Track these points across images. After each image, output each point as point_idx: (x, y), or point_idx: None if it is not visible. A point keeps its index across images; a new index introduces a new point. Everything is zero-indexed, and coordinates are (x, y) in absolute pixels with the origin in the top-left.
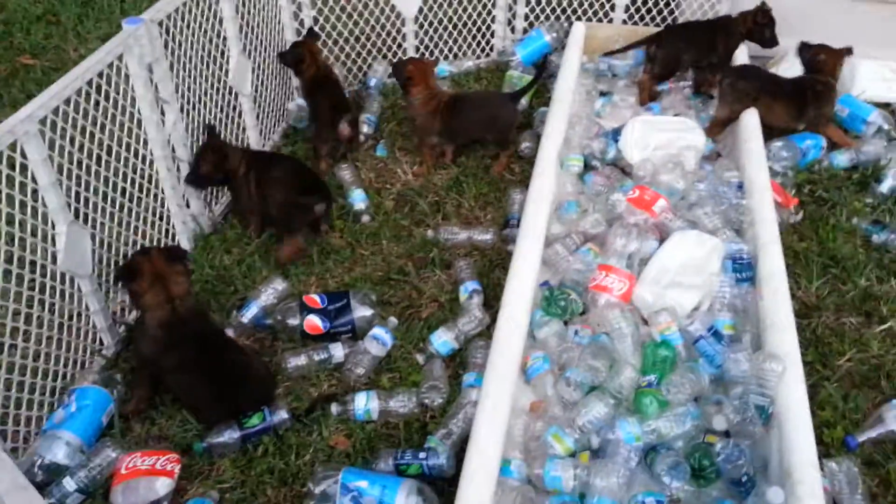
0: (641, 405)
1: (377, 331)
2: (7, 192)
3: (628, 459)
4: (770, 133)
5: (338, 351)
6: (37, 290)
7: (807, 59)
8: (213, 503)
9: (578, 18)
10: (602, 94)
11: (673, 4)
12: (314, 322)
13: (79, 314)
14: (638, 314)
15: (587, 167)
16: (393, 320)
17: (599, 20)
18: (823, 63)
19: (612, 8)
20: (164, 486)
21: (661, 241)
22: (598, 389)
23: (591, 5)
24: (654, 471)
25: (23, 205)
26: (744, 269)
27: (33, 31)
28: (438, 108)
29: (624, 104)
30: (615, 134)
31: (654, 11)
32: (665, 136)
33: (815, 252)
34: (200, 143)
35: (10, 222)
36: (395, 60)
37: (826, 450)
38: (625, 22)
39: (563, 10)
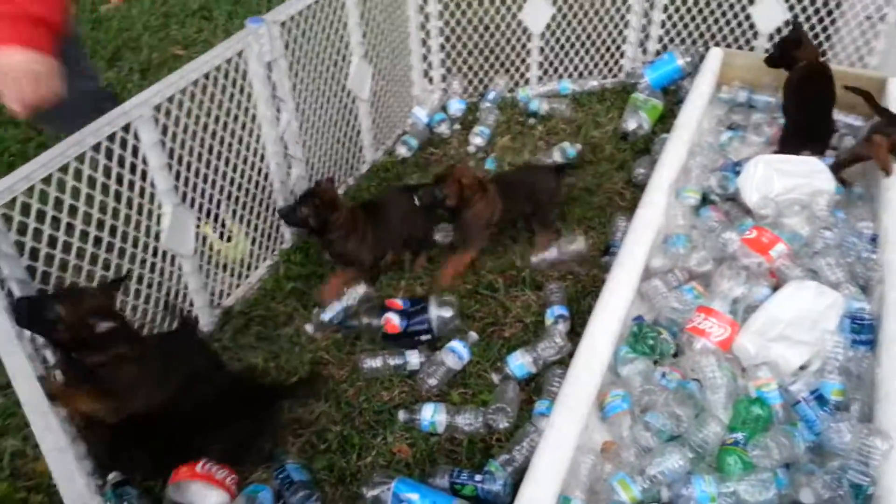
0: (724, 464)
1: (455, 344)
2: (118, 170)
3: None
4: None
5: (413, 358)
6: (137, 266)
7: None
8: (273, 492)
9: (717, 44)
10: (730, 127)
11: (822, 37)
12: (392, 321)
13: (177, 292)
14: (736, 365)
15: (705, 200)
16: (473, 335)
17: (739, 47)
18: None
19: (755, 36)
20: (217, 498)
21: (774, 288)
22: (678, 439)
23: (731, 31)
24: None
25: (132, 184)
26: (863, 331)
27: (188, 25)
28: (492, 197)
29: (755, 140)
30: (736, 168)
31: None
32: (791, 181)
33: None
34: (315, 184)
35: (118, 199)
36: (436, 176)
37: None
38: (767, 51)
39: (701, 35)
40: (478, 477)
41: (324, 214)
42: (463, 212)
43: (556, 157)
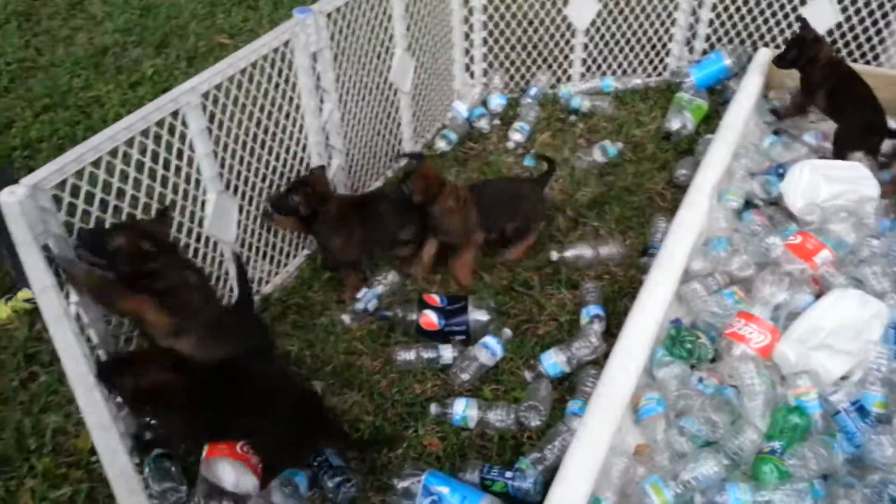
0: (760, 472)
1: (489, 339)
2: (165, 156)
3: None
4: None
5: (447, 352)
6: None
7: None
8: (307, 477)
9: (766, 45)
10: (775, 132)
11: (876, 40)
12: (430, 318)
13: (218, 277)
14: (775, 372)
15: (748, 204)
16: (507, 332)
17: None
18: None
19: None
20: (246, 481)
21: (817, 296)
22: (713, 446)
23: (781, 32)
24: None
25: (178, 170)
26: None
27: (233, 13)
28: (466, 199)
29: (801, 142)
30: (780, 171)
31: (854, 46)
32: (837, 187)
33: None
34: (308, 171)
35: (164, 184)
36: (405, 174)
37: None
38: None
39: (750, 35)
40: (508, 474)
41: (314, 204)
42: (431, 208)
43: (597, 154)
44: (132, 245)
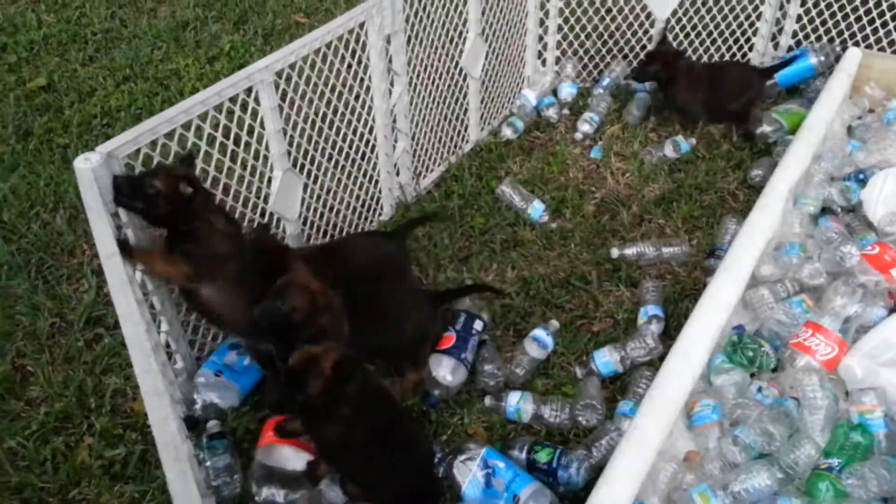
0: (815, 488)
1: (538, 332)
2: (236, 131)
3: None
4: None
5: None
6: (245, 225)
7: None
8: None
9: (856, 44)
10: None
11: None
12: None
13: None
14: (840, 387)
15: (825, 210)
16: (554, 323)
17: (882, 49)
18: None
19: None
20: (299, 460)
21: (891, 311)
22: (768, 458)
23: (874, 31)
24: None
25: (248, 145)
26: None
27: None
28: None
29: (888, 147)
30: (860, 177)
31: None
32: None
33: None
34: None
35: (233, 159)
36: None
37: None
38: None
39: (840, 33)
40: (559, 448)
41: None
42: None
43: (668, 150)
44: (168, 187)
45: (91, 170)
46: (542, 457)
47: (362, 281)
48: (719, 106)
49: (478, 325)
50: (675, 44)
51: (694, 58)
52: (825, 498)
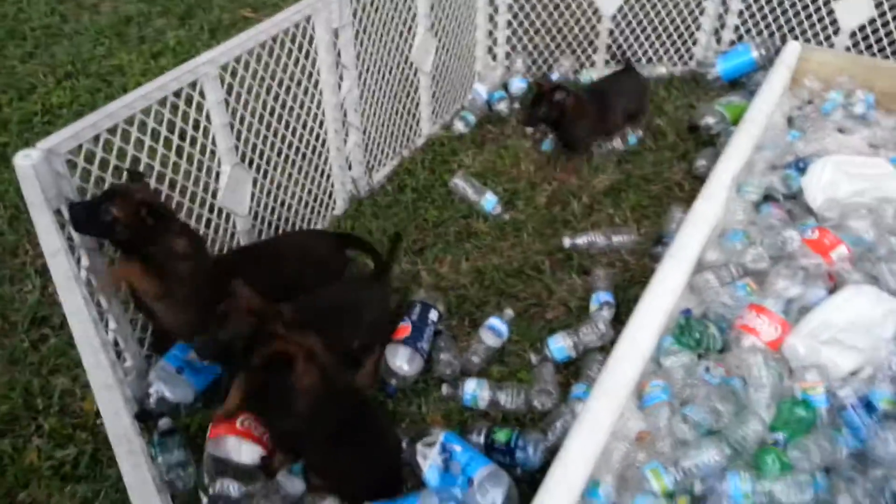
0: (762, 462)
1: (493, 321)
2: (181, 126)
3: None
4: None
5: None
6: (193, 221)
7: None
8: None
9: (795, 38)
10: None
11: None
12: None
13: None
14: (784, 366)
15: (767, 198)
16: (509, 311)
17: (819, 43)
18: None
19: (836, 32)
20: (249, 452)
21: (831, 292)
22: (717, 435)
23: (811, 26)
24: None
25: (194, 140)
26: None
27: None
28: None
29: (826, 136)
30: (800, 165)
31: (886, 41)
32: (859, 184)
33: None
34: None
35: (179, 154)
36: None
37: None
38: (848, 49)
39: (780, 27)
40: (516, 431)
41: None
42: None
43: (616, 142)
44: (127, 213)
45: (32, 166)
46: (501, 437)
47: (295, 281)
48: (609, 128)
49: (433, 315)
50: (621, 38)
51: (640, 53)
52: (772, 470)
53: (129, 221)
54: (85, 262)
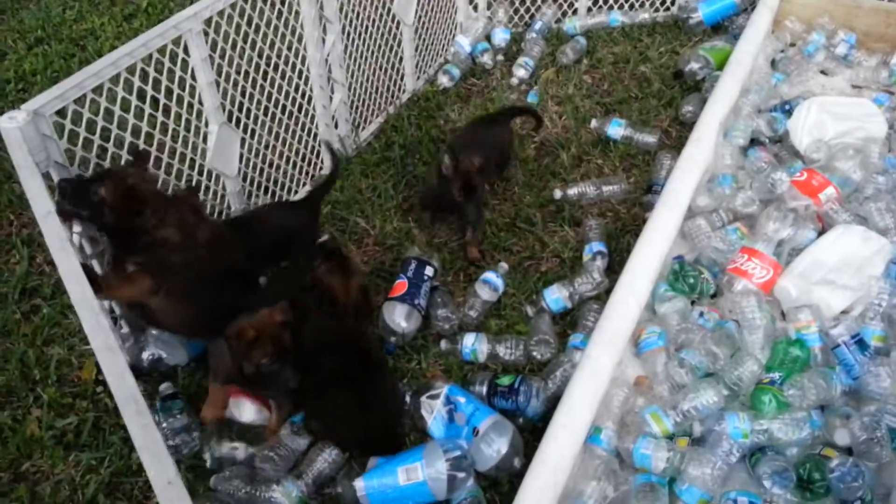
0: (758, 402)
1: (489, 275)
2: (167, 84)
3: (729, 454)
4: None
5: None
6: (183, 183)
7: None
8: None
9: None
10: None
11: None
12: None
13: (220, 213)
14: (777, 307)
15: (754, 141)
16: (503, 265)
17: None
18: None
19: None
20: (250, 411)
21: (821, 233)
22: (713, 377)
23: None
24: (756, 472)
25: (180, 100)
26: None
27: None
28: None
29: (810, 79)
30: (786, 108)
31: None
32: (844, 125)
33: None
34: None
35: (167, 114)
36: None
37: None
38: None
39: None
40: (519, 376)
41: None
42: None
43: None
44: (116, 196)
45: (18, 128)
46: (504, 381)
47: (271, 255)
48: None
49: (429, 270)
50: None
51: (621, 0)
52: (769, 409)
53: (117, 205)
54: (77, 227)
